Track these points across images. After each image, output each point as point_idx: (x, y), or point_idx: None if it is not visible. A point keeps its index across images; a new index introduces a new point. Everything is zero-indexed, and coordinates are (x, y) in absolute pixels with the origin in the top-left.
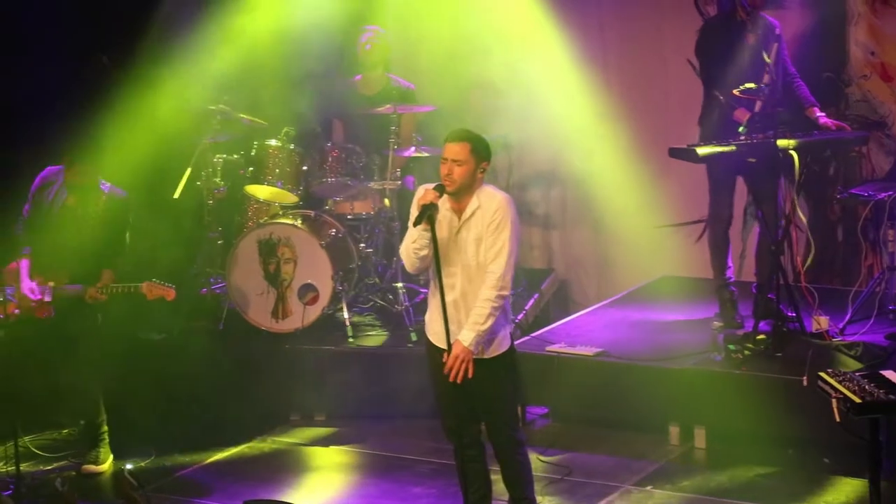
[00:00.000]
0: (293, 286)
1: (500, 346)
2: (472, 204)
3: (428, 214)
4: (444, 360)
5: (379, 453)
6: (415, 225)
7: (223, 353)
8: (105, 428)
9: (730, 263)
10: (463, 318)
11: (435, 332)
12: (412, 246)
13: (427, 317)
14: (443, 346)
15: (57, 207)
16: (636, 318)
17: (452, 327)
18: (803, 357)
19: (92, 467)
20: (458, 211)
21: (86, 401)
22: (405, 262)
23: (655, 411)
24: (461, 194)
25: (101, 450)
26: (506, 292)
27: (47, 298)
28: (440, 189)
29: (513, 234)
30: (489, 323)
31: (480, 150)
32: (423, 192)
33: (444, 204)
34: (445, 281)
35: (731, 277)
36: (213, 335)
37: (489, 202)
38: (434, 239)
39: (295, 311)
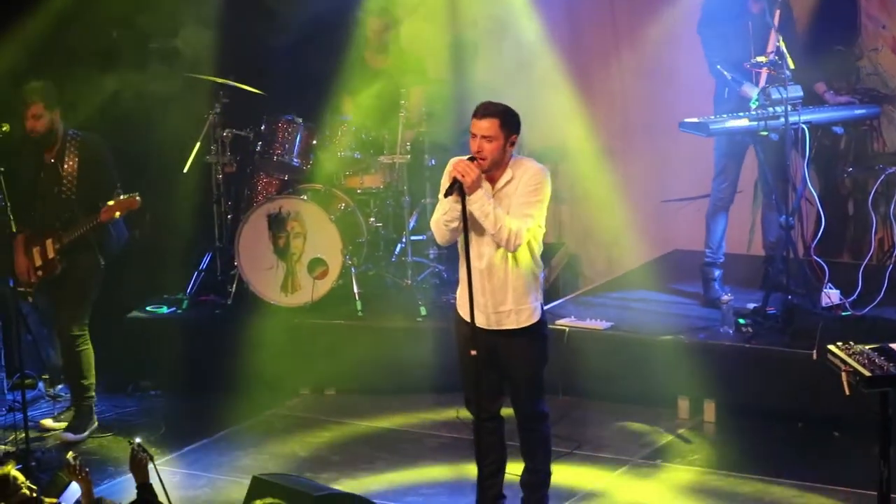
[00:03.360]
0: (303, 260)
1: (531, 317)
2: (505, 175)
3: (459, 186)
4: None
5: (389, 427)
6: (445, 196)
7: (232, 328)
8: (92, 394)
9: (722, 244)
10: (492, 288)
11: (463, 305)
12: (443, 218)
13: (458, 291)
14: (470, 319)
15: (40, 171)
16: (646, 292)
17: (480, 298)
18: (813, 331)
19: (70, 436)
20: (490, 182)
21: (77, 354)
22: (435, 234)
23: (665, 385)
24: (493, 168)
25: (84, 418)
26: (520, 241)
27: (51, 255)
28: (473, 160)
29: (543, 204)
30: (493, 219)
31: (510, 124)
32: (454, 164)
33: None
34: (474, 251)
35: (719, 257)
36: (222, 309)
37: (524, 173)
38: (464, 211)
39: (304, 286)
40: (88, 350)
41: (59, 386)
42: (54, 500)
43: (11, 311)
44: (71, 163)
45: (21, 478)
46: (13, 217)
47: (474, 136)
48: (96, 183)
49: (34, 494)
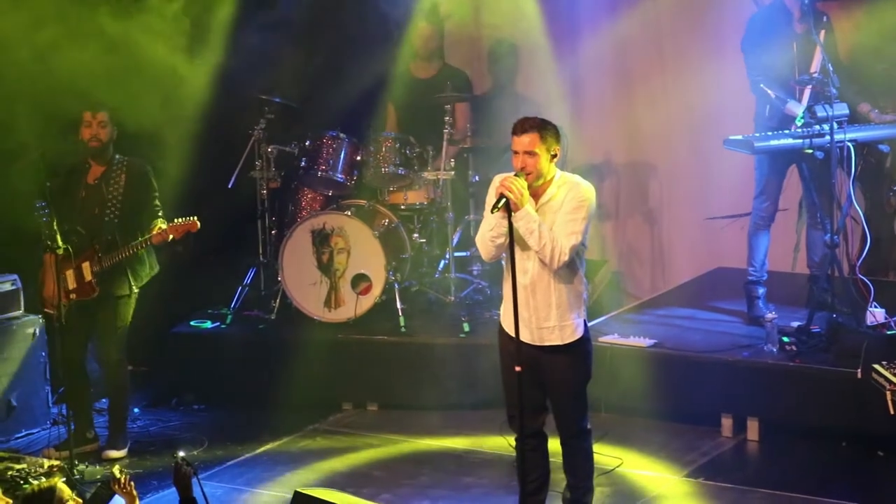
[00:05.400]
0: (346, 276)
1: (574, 334)
2: (550, 191)
3: (505, 202)
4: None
5: (431, 443)
6: (492, 212)
7: (276, 343)
8: (128, 412)
9: (765, 262)
10: (535, 304)
11: (508, 321)
12: (489, 234)
13: (502, 307)
14: (514, 334)
15: (80, 191)
16: (690, 309)
17: (524, 314)
18: (858, 350)
19: (114, 453)
20: (535, 198)
21: (116, 375)
22: (480, 250)
23: (708, 402)
24: (538, 183)
25: (123, 434)
26: (565, 258)
27: (88, 279)
28: (519, 176)
29: (587, 221)
30: (538, 236)
31: (549, 136)
32: (499, 180)
33: None
34: (519, 267)
35: (763, 276)
36: (266, 324)
37: (570, 190)
38: (510, 227)
39: (347, 301)
40: (127, 372)
41: (103, 399)
42: None
43: (55, 324)
44: (117, 185)
45: (67, 491)
46: (56, 232)
47: (516, 152)
48: (141, 208)
49: None
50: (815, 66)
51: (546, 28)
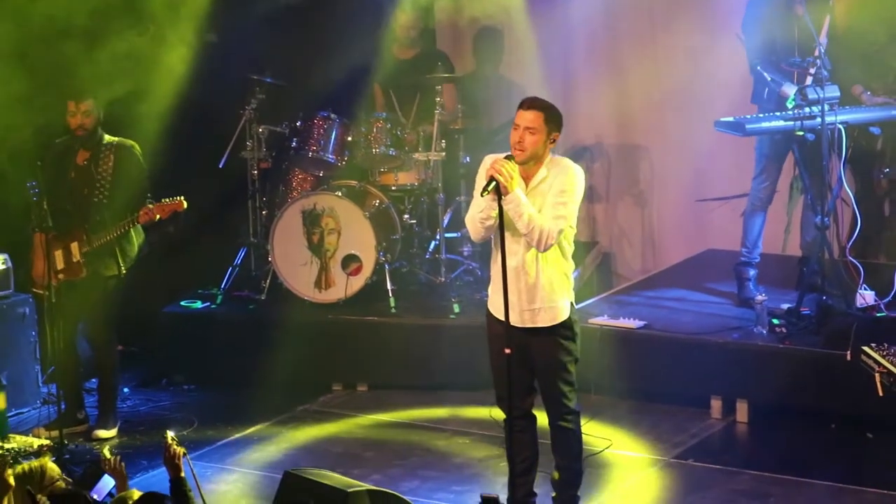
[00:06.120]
0: (336, 256)
1: (561, 315)
2: (540, 173)
3: (496, 184)
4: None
5: (421, 424)
6: (482, 194)
7: (266, 323)
8: (118, 392)
9: (758, 244)
10: (523, 286)
11: (495, 304)
12: (479, 216)
13: (490, 288)
14: (502, 317)
15: (70, 171)
16: (680, 291)
17: (512, 296)
18: (847, 332)
19: (103, 433)
20: (525, 179)
21: (105, 356)
22: (470, 231)
23: (697, 384)
24: (529, 163)
25: (113, 414)
26: (552, 241)
27: (76, 259)
28: (510, 159)
29: (575, 204)
30: (526, 220)
31: (553, 120)
32: (490, 162)
33: None
34: (508, 249)
35: (755, 258)
36: (256, 305)
37: (560, 173)
38: (500, 208)
39: (338, 282)
40: (117, 352)
41: (93, 379)
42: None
43: (45, 303)
44: (106, 166)
45: (57, 471)
46: (47, 212)
47: (517, 126)
48: (130, 188)
49: (69, 487)
50: (818, 51)
51: (533, 9)
